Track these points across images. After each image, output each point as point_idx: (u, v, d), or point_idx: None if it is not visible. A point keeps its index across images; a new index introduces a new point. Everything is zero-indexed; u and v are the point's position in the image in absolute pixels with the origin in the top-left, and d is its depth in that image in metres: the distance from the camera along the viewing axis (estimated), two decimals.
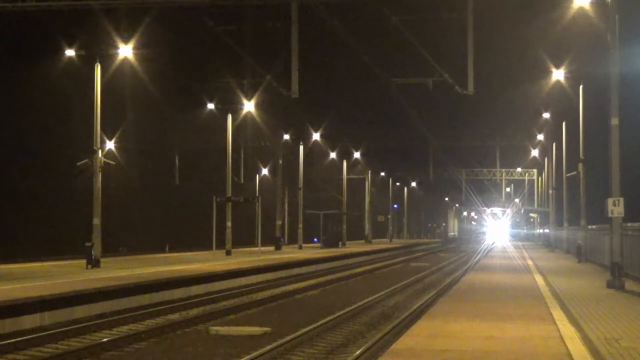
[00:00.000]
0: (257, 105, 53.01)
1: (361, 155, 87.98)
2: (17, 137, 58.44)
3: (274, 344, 17.17)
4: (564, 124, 55.18)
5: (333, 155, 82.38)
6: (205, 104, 55.83)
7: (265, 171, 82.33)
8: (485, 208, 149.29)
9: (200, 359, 16.66)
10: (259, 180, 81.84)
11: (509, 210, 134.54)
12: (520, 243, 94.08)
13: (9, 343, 17.47)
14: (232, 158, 52.67)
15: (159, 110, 66.16)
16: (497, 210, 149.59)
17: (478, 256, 61.04)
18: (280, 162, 69.28)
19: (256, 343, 18.13)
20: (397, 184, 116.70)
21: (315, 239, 76.12)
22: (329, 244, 68.61)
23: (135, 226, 69.27)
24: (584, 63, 42.67)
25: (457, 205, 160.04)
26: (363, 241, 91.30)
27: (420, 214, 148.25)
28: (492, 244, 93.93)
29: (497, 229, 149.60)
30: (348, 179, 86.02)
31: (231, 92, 51.78)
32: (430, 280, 39.34)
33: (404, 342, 14.03)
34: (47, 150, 60.10)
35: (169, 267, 34.64)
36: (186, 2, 33.85)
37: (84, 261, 34.28)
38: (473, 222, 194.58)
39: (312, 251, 58.76)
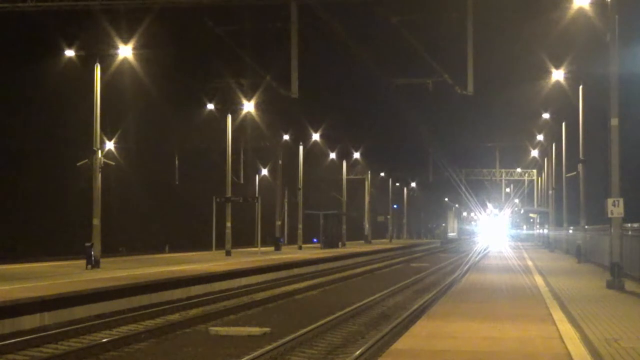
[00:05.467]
0: (257, 106, 53.01)
1: (361, 155, 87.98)
2: (17, 137, 58.44)
3: (274, 345, 17.17)
4: (563, 124, 55.18)
5: (333, 155, 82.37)
6: (205, 104, 55.82)
7: (265, 171, 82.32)
8: (483, 209, 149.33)
9: (199, 359, 16.66)
10: (258, 181, 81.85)
11: (507, 210, 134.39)
12: (519, 243, 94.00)
13: (9, 343, 17.47)
14: (232, 158, 52.67)
15: (159, 110, 66.17)
16: (496, 210, 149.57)
17: (478, 256, 61.04)
18: (280, 162, 69.27)
19: (256, 343, 18.13)
20: (397, 184, 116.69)
21: (315, 239, 76.11)
22: (328, 244, 68.57)
23: (135, 226, 69.28)
24: (583, 63, 42.66)
25: (456, 205, 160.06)
26: (363, 241, 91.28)
27: (420, 215, 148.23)
28: (487, 249, 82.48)
29: (495, 229, 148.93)
30: (348, 179, 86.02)
31: (231, 93, 51.78)
32: (430, 280, 39.34)
33: (404, 342, 14.03)
34: (47, 150, 60.12)
35: (169, 267, 34.63)
36: (186, 2, 33.84)
37: (83, 261, 34.27)
38: (473, 223, 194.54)
39: (311, 251, 58.74)
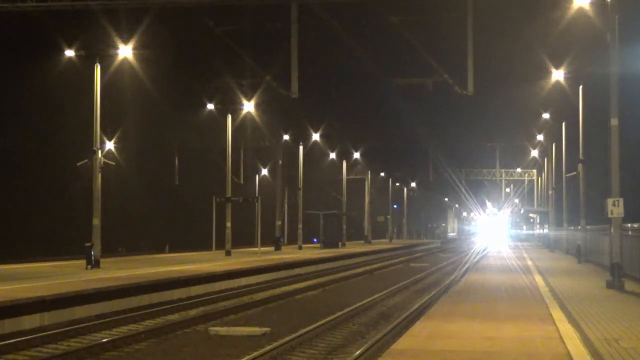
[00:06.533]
0: (257, 106, 53.02)
1: (361, 155, 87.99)
2: (17, 136, 58.44)
3: (274, 344, 17.16)
4: (563, 124, 55.18)
5: (333, 155, 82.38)
6: (205, 105, 55.83)
7: (265, 171, 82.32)
8: (482, 209, 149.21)
9: (199, 359, 16.66)
10: (258, 181, 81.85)
11: (507, 210, 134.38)
12: (519, 243, 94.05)
13: (9, 343, 17.47)
14: (232, 158, 52.67)
15: (159, 110, 66.18)
16: (495, 210, 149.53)
17: (478, 257, 61.03)
18: (280, 162, 69.27)
19: (256, 343, 18.12)
20: (397, 184, 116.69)
21: (315, 239, 76.15)
22: (328, 244, 68.57)
23: (135, 226, 69.28)
24: (584, 63, 42.66)
25: (456, 205, 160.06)
26: (363, 241, 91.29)
27: (420, 215, 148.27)
28: (486, 249, 78.37)
29: (495, 230, 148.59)
30: (348, 179, 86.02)
31: (231, 93, 51.78)
32: (430, 280, 39.34)
33: (404, 342, 14.02)
34: (47, 150, 60.12)
35: (169, 267, 34.63)
36: (186, 2, 33.85)
37: (83, 261, 34.27)
38: (473, 223, 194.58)
39: (312, 251, 58.74)
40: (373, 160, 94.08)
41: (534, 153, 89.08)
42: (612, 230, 25.63)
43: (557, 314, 17.75)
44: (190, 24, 45.93)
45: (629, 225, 26.45)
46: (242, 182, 71.52)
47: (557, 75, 44.92)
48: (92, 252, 33.87)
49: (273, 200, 69.67)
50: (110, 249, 49.35)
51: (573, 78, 44.19)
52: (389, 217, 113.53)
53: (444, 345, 13.60)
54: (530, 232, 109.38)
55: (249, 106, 52.44)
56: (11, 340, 17.75)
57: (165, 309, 24.20)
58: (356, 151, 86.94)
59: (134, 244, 65.02)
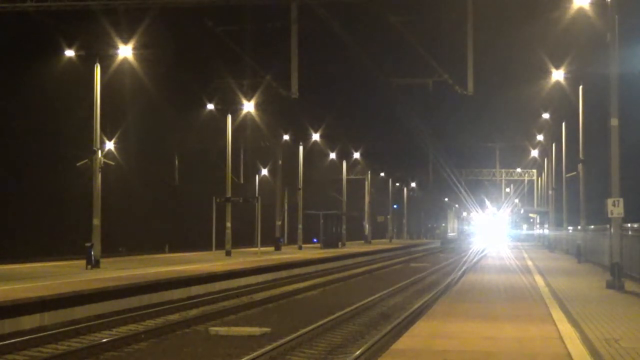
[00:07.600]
0: (257, 106, 53.02)
1: (361, 155, 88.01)
2: (17, 136, 58.44)
3: (274, 345, 17.17)
4: (563, 124, 55.19)
5: (333, 155, 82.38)
6: (205, 105, 55.83)
7: (265, 171, 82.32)
8: (482, 209, 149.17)
9: (199, 359, 16.66)
10: (258, 181, 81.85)
11: (507, 210, 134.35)
12: (519, 244, 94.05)
13: (9, 343, 17.47)
14: (231, 158, 52.66)
15: (159, 110, 66.15)
16: (494, 210, 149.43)
17: (478, 257, 61.03)
18: (280, 162, 69.26)
19: (256, 343, 18.13)
20: (397, 184, 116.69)
21: (315, 239, 76.14)
22: (328, 244, 68.57)
23: (135, 226, 69.25)
24: (583, 63, 42.68)
25: (456, 205, 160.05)
26: (363, 241, 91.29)
27: (420, 215, 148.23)
28: (486, 249, 76.46)
29: (495, 230, 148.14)
30: (348, 179, 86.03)
31: (231, 93, 51.78)
32: (430, 280, 39.35)
33: (404, 342, 14.03)
34: (47, 150, 60.12)
35: (169, 267, 34.63)
36: (186, 2, 33.85)
37: (83, 261, 34.26)
38: (473, 223, 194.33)
39: (311, 251, 58.73)
40: (373, 160, 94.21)
41: (534, 153, 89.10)
42: (612, 230, 25.64)
43: (557, 314, 17.75)
44: (190, 24, 45.97)
45: (629, 225, 26.44)
46: (242, 182, 71.51)
47: (557, 75, 44.92)
48: (92, 252, 33.86)
49: (273, 200, 69.63)
50: (110, 249, 49.30)
51: (573, 78, 44.21)
52: (389, 217, 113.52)
53: (444, 345, 13.60)
54: (530, 232, 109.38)
55: (249, 106, 52.43)
56: (11, 340, 17.75)
57: (165, 309, 24.20)
58: (356, 151, 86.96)
59: (134, 244, 64.97)
